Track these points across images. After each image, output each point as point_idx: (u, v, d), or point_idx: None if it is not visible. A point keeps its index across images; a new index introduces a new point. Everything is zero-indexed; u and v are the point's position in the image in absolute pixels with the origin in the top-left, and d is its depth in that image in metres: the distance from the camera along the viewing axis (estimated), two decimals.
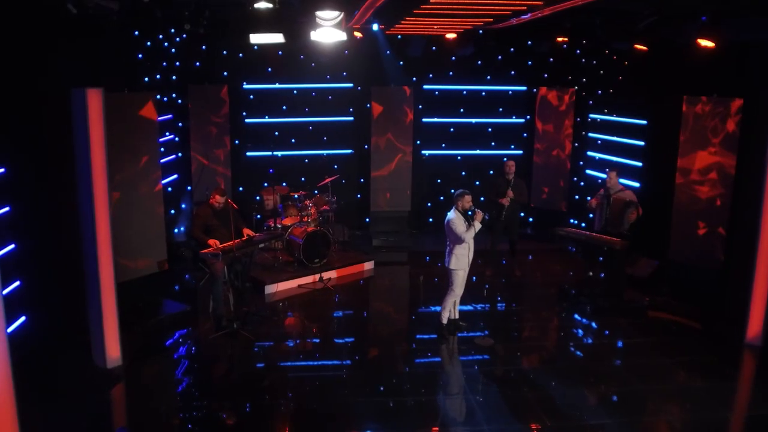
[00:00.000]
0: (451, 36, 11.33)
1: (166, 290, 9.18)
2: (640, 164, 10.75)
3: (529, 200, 10.83)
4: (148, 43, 10.17)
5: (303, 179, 12.37)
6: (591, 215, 9.91)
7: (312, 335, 8.64)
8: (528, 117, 13.03)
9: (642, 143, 10.70)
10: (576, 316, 9.11)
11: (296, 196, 10.75)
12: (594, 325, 8.88)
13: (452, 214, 7.86)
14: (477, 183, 12.89)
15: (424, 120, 12.85)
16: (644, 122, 10.62)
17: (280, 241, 10.47)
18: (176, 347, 8.08)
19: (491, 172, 13.06)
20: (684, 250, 9.47)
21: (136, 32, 9.67)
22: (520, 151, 13.18)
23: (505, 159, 11.24)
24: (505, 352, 7.96)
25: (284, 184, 11.47)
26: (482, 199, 11.22)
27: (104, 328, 7.19)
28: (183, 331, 8.41)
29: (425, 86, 12.71)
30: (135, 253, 8.47)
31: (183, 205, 11.73)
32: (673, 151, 9.40)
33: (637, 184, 10.73)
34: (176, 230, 11.29)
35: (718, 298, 8.90)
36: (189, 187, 11.52)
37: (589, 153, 12.23)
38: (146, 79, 10.09)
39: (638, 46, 9.73)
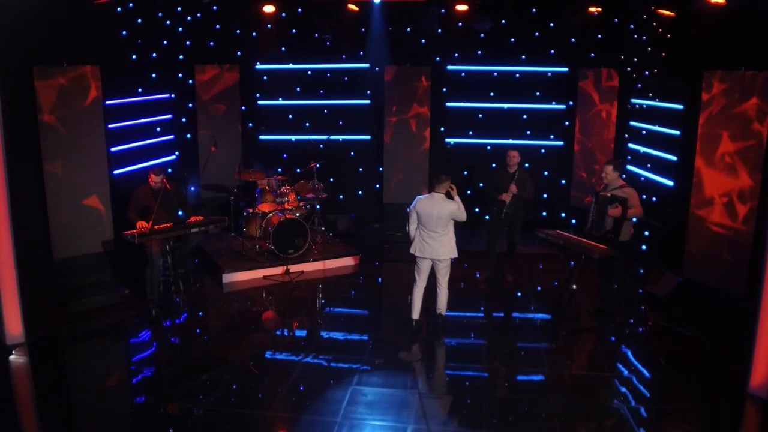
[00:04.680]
0: (461, 7, 10.01)
1: (122, 271, 8.86)
2: (675, 158, 8.79)
3: (535, 196, 9.24)
4: (139, 20, 9.99)
5: (317, 165, 11.73)
6: None
7: (233, 332, 7.86)
8: (571, 103, 11.28)
9: (678, 133, 8.73)
10: (547, 338, 7.56)
11: (277, 180, 10.10)
12: (563, 351, 7.29)
13: (445, 202, 7.10)
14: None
15: (449, 105, 11.59)
16: (680, 107, 8.64)
17: (259, 229, 9.89)
18: (93, 330, 7.71)
19: (526, 165, 11.48)
20: (702, 267, 7.56)
21: (119, 8, 9.51)
22: (561, 142, 11.51)
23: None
24: (444, 371, 6.80)
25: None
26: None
27: (2, 302, 7.03)
28: (114, 314, 8.04)
29: (449, 67, 11.44)
30: (78, 230, 8.31)
31: (192, 188, 11.56)
32: (691, 142, 7.51)
33: (671, 183, 8.82)
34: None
35: (739, 329, 6.95)
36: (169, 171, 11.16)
37: (631, 145, 10.28)
38: (134, 56, 9.93)
39: (662, 11, 7.88)
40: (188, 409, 5.95)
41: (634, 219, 7.66)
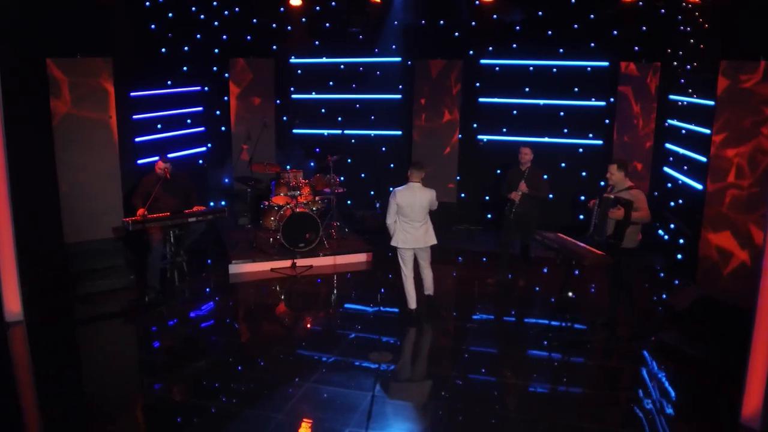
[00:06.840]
0: None
1: (133, 258, 9.07)
2: (705, 160, 7.97)
3: (548, 194, 8.65)
4: (170, 14, 10.26)
5: (349, 160, 11.68)
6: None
7: (217, 321, 7.91)
8: (612, 100, 10.52)
9: (708, 131, 7.90)
10: (537, 348, 7.04)
11: (295, 174, 10.06)
12: (548, 363, 6.77)
13: (424, 191, 7.24)
14: (545, 177, 10.78)
15: (482, 100, 11.14)
16: (711, 103, 7.82)
17: (273, 222, 9.90)
18: (90, 312, 7.96)
19: (563, 165, 10.89)
20: (716, 280, 6.79)
21: (147, 3, 9.80)
22: (600, 141, 10.78)
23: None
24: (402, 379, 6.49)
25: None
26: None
27: (2, 280, 7.39)
28: (115, 298, 8.26)
29: (483, 61, 10.99)
30: (90, 216, 8.63)
31: (225, 180, 11.76)
32: (705, 141, 6.78)
33: (700, 187, 8.02)
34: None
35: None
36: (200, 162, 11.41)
37: (668, 146, 9.44)
38: (163, 50, 10.22)
39: None
40: (137, 394, 6.04)
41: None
